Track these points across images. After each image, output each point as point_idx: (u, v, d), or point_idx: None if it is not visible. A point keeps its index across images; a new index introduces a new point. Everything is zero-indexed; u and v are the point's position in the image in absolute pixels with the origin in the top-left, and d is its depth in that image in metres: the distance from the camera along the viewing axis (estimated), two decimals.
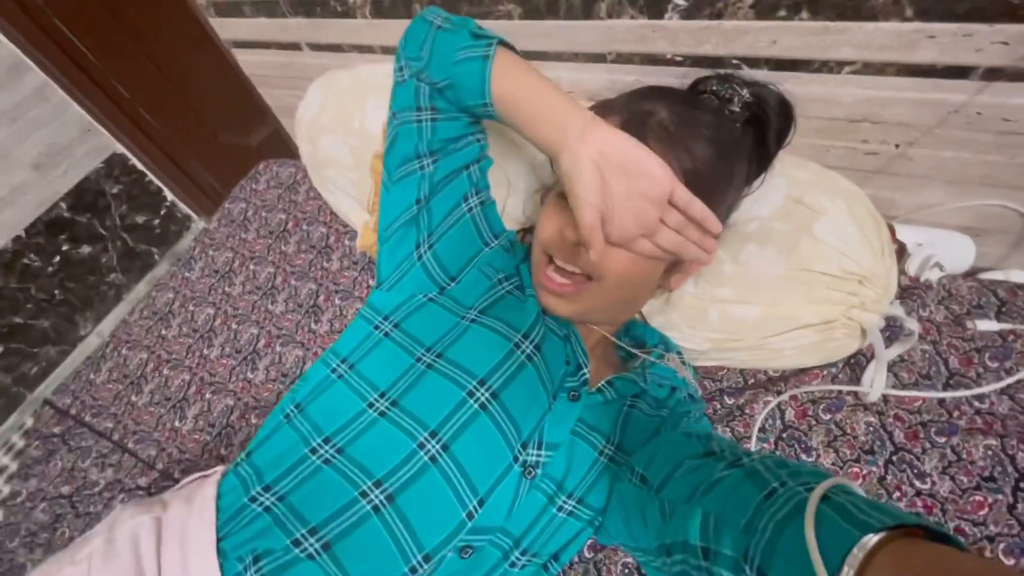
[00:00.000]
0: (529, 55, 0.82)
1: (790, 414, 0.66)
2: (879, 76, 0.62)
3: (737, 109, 0.56)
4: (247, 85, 1.30)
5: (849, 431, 0.63)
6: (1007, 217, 0.68)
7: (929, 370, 0.64)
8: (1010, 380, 0.58)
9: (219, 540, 0.45)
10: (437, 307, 0.57)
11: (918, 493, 0.58)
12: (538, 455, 0.51)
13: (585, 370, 0.55)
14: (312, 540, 0.45)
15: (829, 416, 0.65)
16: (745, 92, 0.57)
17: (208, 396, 0.94)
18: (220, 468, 0.53)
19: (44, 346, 1.81)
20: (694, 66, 0.70)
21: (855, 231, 0.61)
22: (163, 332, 1.05)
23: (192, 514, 0.47)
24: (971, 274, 0.74)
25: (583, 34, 0.75)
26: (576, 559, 0.64)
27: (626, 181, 0.44)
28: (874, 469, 0.60)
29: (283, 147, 1.52)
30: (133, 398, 0.98)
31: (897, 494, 0.58)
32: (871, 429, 0.62)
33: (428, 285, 0.59)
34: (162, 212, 2.04)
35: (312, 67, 1.06)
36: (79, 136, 1.74)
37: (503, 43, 0.50)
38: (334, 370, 0.56)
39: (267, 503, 0.47)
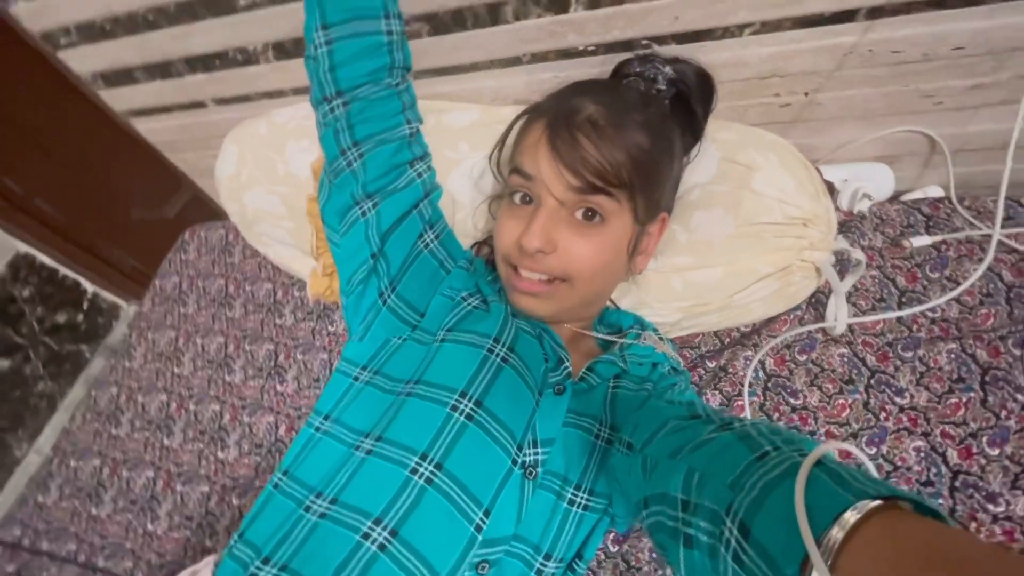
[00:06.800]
0: (445, 70, 0.82)
1: (770, 363, 0.68)
2: (777, 32, 0.65)
3: (663, 87, 0.58)
4: (154, 154, 1.23)
5: (827, 366, 0.66)
6: (914, 140, 0.74)
7: (882, 293, 0.68)
8: (955, 292, 0.63)
9: None
10: (412, 343, 0.57)
11: (901, 409, 0.61)
12: (535, 453, 0.50)
13: (567, 363, 0.55)
14: None
15: (805, 356, 0.67)
16: (667, 69, 0.59)
17: (179, 488, 0.86)
18: (211, 557, 0.49)
19: None
20: (608, 53, 0.72)
21: (790, 179, 0.64)
22: (114, 431, 0.97)
23: None
24: (895, 198, 0.80)
25: (494, 40, 0.75)
26: (603, 556, 0.63)
27: None
28: (857, 396, 0.63)
29: (206, 210, 1.44)
30: (94, 510, 0.89)
31: (883, 414, 0.61)
32: (845, 359, 0.65)
33: (399, 327, 0.58)
34: (84, 306, 1.89)
35: (222, 122, 1.01)
36: None
37: None
38: (317, 428, 0.55)
39: None
